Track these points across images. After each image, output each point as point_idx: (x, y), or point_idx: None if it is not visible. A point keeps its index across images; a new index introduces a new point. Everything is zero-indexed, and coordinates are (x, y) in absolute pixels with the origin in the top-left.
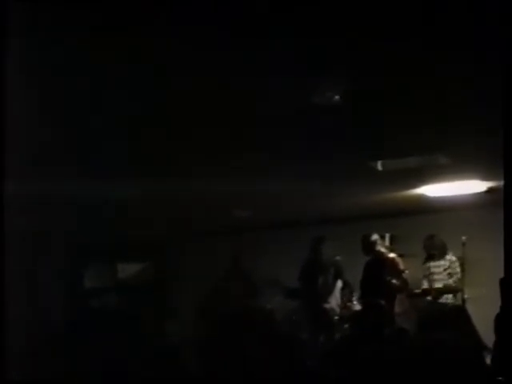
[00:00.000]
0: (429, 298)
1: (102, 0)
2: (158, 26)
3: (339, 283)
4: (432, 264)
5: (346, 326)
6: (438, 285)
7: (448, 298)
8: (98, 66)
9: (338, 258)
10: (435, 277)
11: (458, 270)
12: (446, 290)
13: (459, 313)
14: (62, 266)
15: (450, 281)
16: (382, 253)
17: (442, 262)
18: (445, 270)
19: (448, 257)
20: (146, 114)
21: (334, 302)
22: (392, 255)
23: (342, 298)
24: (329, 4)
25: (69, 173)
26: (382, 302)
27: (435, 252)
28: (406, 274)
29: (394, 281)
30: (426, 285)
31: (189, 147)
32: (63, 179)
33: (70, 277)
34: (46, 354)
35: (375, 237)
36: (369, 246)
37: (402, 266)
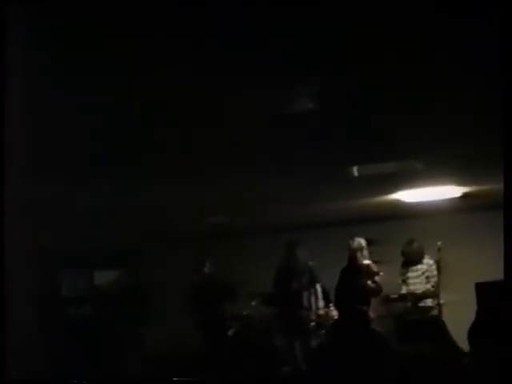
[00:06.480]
0: (408, 303)
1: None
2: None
3: (316, 288)
4: (410, 268)
5: (324, 331)
6: (417, 288)
7: (427, 302)
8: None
9: (311, 263)
10: (413, 281)
11: (436, 272)
12: (423, 295)
13: (435, 322)
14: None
15: (428, 285)
16: (358, 259)
17: (419, 266)
18: (423, 273)
19: (425, 260)
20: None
21: (310, 307)
22: (367, 262)
23: (317, 303)
24: (302, 10)
25: (44, 179)
26: (364, 308)
27: (414, 257)
28: (381, 276)
29: (368, 286)
30: (404, 290)
31: (163, 154)
32: (38, 186)
33: (45, 285)
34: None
35: (356, 244)
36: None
37: (376, 270)
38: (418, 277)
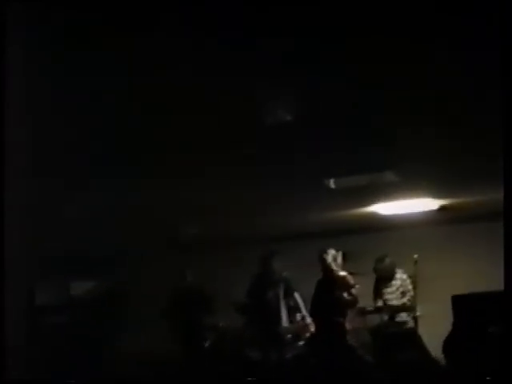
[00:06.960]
0: (384, 315)
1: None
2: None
3: (294, 298)
4: (384, 285)
5: (300, 342)
6: (393, 304)
7: (403, 317)
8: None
9: (287, 274)
10: (389, 296)
11: (410, 287)
12: (400, 308)
13: (411, 334)
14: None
15: (404, 299)
16: (334, 271)
17: (393, 282)
18: (397, 289)
19: (398, 275)
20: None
21: (286, 318)
22: (343, 273)
23: (293, 315)
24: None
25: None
26: (341, 320)
27: (386, 274)
28: (357, 288)
29: (344, 298)
30: (380, 304)
31: (140, 163)
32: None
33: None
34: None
35: (330, 256)
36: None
37: (352, 282)
38: (392, 292)
